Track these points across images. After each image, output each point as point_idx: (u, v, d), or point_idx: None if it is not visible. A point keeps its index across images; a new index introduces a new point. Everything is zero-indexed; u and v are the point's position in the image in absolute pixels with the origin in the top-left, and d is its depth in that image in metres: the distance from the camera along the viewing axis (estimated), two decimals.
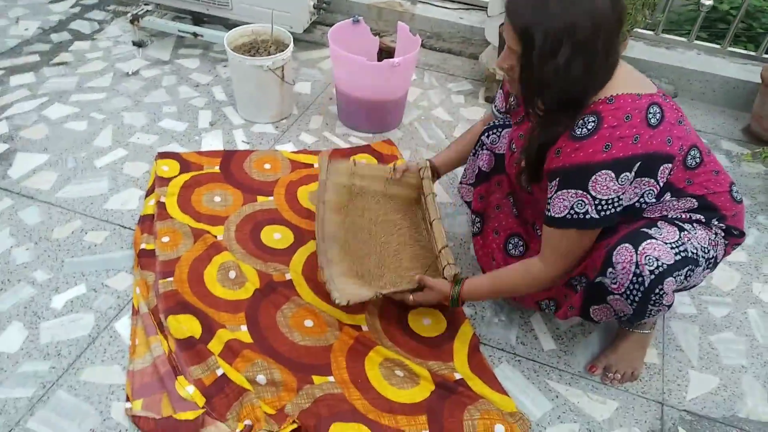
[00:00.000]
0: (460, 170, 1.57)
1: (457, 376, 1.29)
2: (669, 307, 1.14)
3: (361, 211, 1.56)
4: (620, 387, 1.32)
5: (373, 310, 1.42)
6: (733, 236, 1.22)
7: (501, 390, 1.28)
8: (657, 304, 1.11)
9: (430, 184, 1.53)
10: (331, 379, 1.27)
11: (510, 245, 1.41)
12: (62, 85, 2.12)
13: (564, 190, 1.10)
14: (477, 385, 1.28)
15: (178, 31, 2.30)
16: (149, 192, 1.69)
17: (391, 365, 1.30)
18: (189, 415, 1.17)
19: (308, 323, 1.38)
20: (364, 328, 1.38)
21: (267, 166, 1.82)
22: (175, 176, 1.74)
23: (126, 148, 1.86)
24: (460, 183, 1.56)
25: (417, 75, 2.33)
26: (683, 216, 1.17)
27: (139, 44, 2.34)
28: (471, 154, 1.49)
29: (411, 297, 1.34)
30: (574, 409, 1.27)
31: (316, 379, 1.26)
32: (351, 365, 1.30)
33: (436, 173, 1.57)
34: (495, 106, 1.46)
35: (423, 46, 2.46)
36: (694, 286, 1.25)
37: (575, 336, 1.42)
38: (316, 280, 1.48)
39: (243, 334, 1.34)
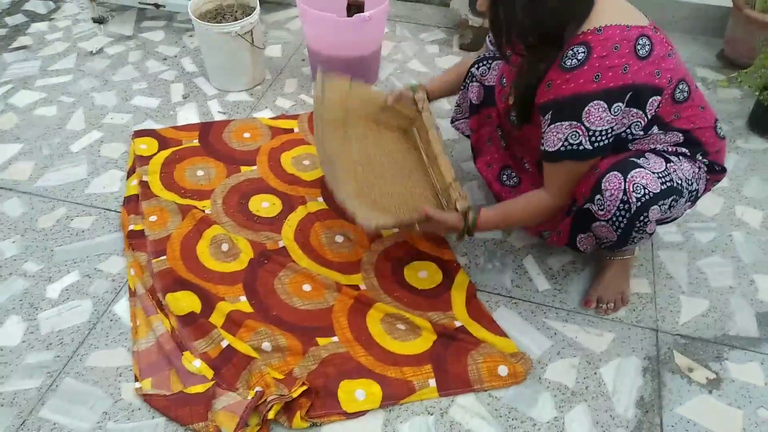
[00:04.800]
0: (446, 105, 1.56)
1: (458, 323, 1.32)
2: (650, 235, 1.17)
3: (359, 135, 1.51)
4: (615, 318, 1.36)
5: (368, 269, 1.43)
6: (715, 172, 1.25)
7: (501, 333, 1.31)
8: (640, 231, 1.14)
9: (430, 117, 1.48)
10: (335, 339, 1.29)
11: (504, 176, 1.43)
12: (25, 71, 2.04)
13: (558, 123, 1.11)
14: (477, 330, 1.31)
15: (139, 3, 2.21)
16: (130, 172, 1.66)
17: (392, 320, 1.32)
18: (199, 388, 1.19)
19: (306, 287, 1.39)
20: (362, 286, 1.40)
21: (246, 135, 1.79)
22: (155, 154, 1.71)
23: (100, 130, 1.82)
24: (454, 120, 1.55)
25: (388, 27, 2.28)
26: (670, 149, 1.18)
27: (99, 21, 2.25)
28: (461, 88, 1.49)
29: (417, 226, 1.29)
30: (573, 344, 1.31)
31: (321, 340, 1.28)
32: (353, 324, 1.32)
33: (429, 98, 1.54)
34: (488, 38, 1.44)
35: None
36: (675, 218, 1.28)
37: (568, 274, 1.45)
38: (310, 245, 1.48)
39: (243, 304, 1.34)
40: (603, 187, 1.12)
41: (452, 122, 1.57)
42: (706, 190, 1.27)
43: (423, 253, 1.47)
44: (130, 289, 1.38)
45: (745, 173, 1.71)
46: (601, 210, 1.14)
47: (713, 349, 1.30)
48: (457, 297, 1.38)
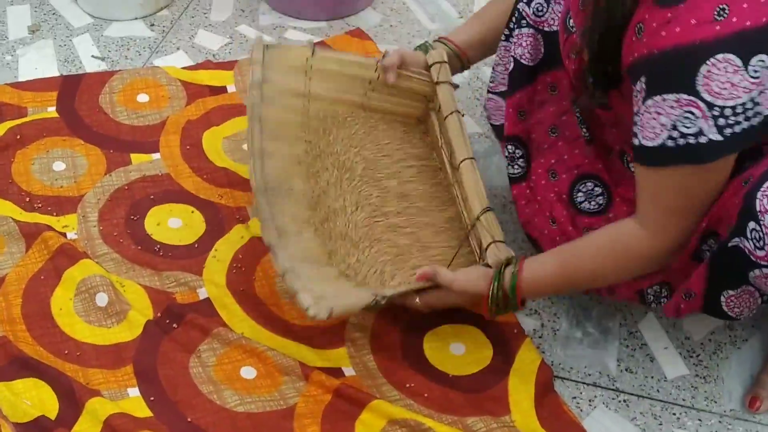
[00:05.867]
0: (487, 73, 1.57)
1: None
2: None
3: (327, 139, 1.56)
4: None
5: (360, 338, 1.44)
6: None
7: None
8: None
9: (451, 94, 1.52)
10: None
11: (579, 194, 1.44)
12: None
13: (658, 97, 1.11)
14: None
15: None
16: None
17: (402, 431, 1.32)
18: None
19: (248, 373, 1.39)
20: (348, 371, 1.40)
21: (142, 97, 1.82)
22: None
23: None
24: (489, 93, 1.56)
25: None
26: None
27: None
28: (502, 39, 1.51)
29: (417, 299, 1.35)
30: None
31: None
32: None
33: (461, 61, 1.57)
34: None
35: None
36: None
37: (719, 348, 1.46)
38: (254, 295, 1.49)
39: (134, 401, 1.34)
40: (759, 209, 1.12)
41: (486, 100, 1.59)
42: None
43: (458, 311, 1.47)
44: None
45: None
46: (761, 248, 1.13)
47: None
48: (520, 390, 1.38)
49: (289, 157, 1.50)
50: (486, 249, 1.36)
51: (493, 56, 1.56)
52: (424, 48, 1.57)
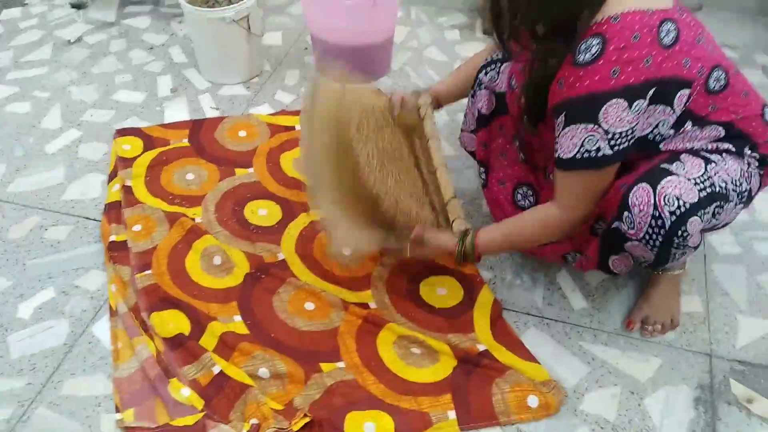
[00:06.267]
0: (461, 117, 1.57)
1: (481, 347, 1.32)
2: (695, 248, 1.15)
3: (350, 146, 1.43)
4: (663, 341, 1.35)
5: (379, 285, 1.44)
6: None
7: (530, 358, 1.31)
8: (681, 247, 1.12)
9: (433, 126, 1.47)
10: (341, 364, 1.29)
11: (518, 195, 1.42)
12: None
13: (572, 126, 1.10)
14: (503, 355, 1.31)
15: None
16: (112, 176, 1.69)
17: (406, 343, 1.33)
18: (188, 420, 1.20)
19: (309, 306, 1.39)
20: (372, 305, 1.40)
21: (242, 133, 1.81)
22: (139, 155, 1.73)
23: (79, 129, 1.85)
24: (462, 131, 1.56)
25: (402, 11, 2.29)
26: (710, 146, 1.17)
27: (78, 6, 2.29)
28: (469, 96, 1.49)
29: (408, 250, 1.31)
30: (614, 371, 1.30)
31: (325, 366, 1.29)
32: (362, 347, 1.32)
33: (437, 103, 1.53)
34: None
35: None
36: (727, 224, 1.25)
37: (608, 290, 1.44)
38: (313, 257, 1.49)
39: (237, 324, 1.35)
40: (630, 203, 1.11)
41: (461, 134, 1.57)
42: (763, 185, 1.25)
43: (442, 268, 1.48)
44: (111, 307, 1.39)
45: None
46: (632, 228, 1.13)
47: None
48: (481, 317, 1.38)
49: (326, 155, 1.36)
50: (453, 222, 1.32)
51: (463, 106, 1.54)
52: (416, 93, 1.50)
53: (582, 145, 1.10)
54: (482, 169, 1.50)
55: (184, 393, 1.24)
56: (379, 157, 1.39)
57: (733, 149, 1.18)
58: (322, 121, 1.41)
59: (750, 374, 1.29)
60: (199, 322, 1.34)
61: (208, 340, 1.32)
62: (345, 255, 1.24)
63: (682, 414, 1.23)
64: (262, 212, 1.60)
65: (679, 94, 1.10)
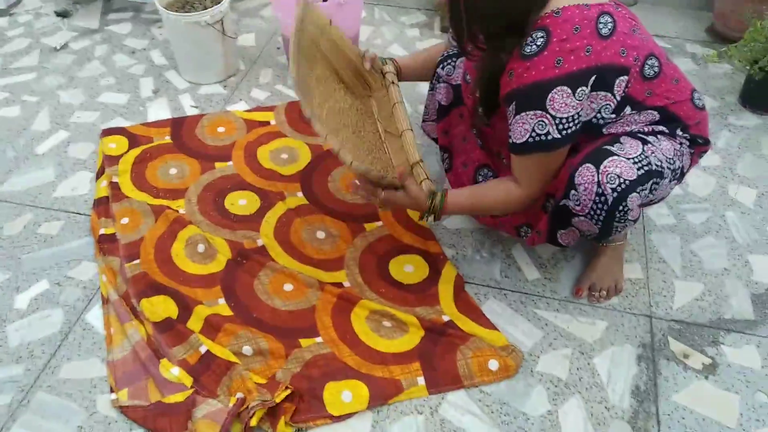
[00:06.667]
0: (422, 108, 1.55)
1: (445, 318, 1.31)
2: (635, 221, 1.16)
3: (327, 80, 1.38)
4: (608, 306, 1.35)
5: (351, 264, 1.42)
6: (699, 145, 1.23)
7: (490, 326, 1.30)
8: (622, 221, 1.12)
9: (399, 92, 1.40)
10: (318, 339, 1.27)
11: (480, 177, 1.41)
12: None
13: (523, 113, 1.09)
14: (466, 324, 1.30)
15: None
16: (99, 173, 1.63)
17: (377, 317, 1.31)
18: (178, 397, 1.17)
19: (288, 287, 1.37)
20: (346, 283, 1.38)
21: (221, 129, 1.77)
22: (125, 153, 1.68)
23: (67, 130, 1.79)
24: (423, 121, 1.54)
25: (366, 11, 2.25)
26: (646, 129, 1.17)
27: (62, 14, 2.21)
28: (429, 89, 1.47)
29: (383, 193, 1.22)
30: (565, 335, 1.30)
31: (304, 342, 1.27)
32: (337, 323, 1.30)
33: (399, 75, 1.47)
34: (450, 33, 1.42)
35: None
36: (662, 198, 1.26)
37: (558, 262, 1.44)
38: (290, 242, 1.47)
39: (222, 307, 1.33)
40: (576, 182, 1.11)
41: (422, 124, 1.55)
42: (693, 163, 1.26)
43: (408, 246, 1.46)
44: (102, 296, 1.36)
45: (738, 150, 1.71)
46: (578, 205, 1.13)
47: (709, 333, 1.30)
48: (445, 290, 1.37)
49: (310, 71, 1.31)
50: (421, 182, 1.23)
51: (424, 95, 1.51)
52: (383, 61, 1.45)
53: (533, 130, 1.09)
54: (445, 155, 1.48)
55: (173, 372, 1.21)
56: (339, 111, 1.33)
57: (667, 131, 1.18)
58: (307, 37, 1.32)
59: (686, 332, 1.31)
60: (186, 306, 1.31)
61: (195, 323, 1.29)
62: (345, 160, 1.10)
63: (627, 370, 1.24)
64: (241, 202, 1.56)
65: (618, 80, 1.09)
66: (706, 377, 1.23)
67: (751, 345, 1.28)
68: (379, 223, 1.51)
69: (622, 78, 1.09)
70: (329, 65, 1.40)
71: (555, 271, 1.43)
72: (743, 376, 1.23)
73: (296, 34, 1.27)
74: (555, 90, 1.05)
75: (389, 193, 1.21)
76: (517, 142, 1.12)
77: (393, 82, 1.41)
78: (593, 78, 1.06)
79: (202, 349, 1.23)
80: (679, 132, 1.20)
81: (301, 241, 1.47)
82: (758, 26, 1.75)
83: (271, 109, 1.84)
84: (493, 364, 1.22)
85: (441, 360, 1.24)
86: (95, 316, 1.33)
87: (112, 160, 1.66)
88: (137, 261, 1.41)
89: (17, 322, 1.32)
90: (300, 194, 1.58)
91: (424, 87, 1.58)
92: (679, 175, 1.22)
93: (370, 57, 1.42)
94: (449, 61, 1.40)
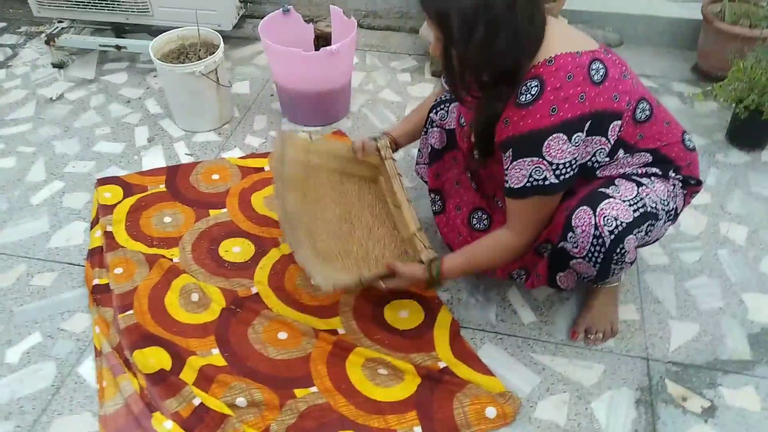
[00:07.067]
0: (416, 151, 1.57)
1: (442, 364, 1.30)
2: (632, 263, 1.17)
3: (320, 190, 1.49)
4: (605, 348, 1.35)
5: (347, 311, 1.42)
6: (691, 185, 1.25)
7: (487, 371, 1.29)
8: (620, 263, 1.13)
9: (394, 166, 1.48)
10: (313, 389, 1.26)
11: (474, 219, 1.42)
12: None
13: (520, 160, 1.11)
14: (462, 370, 1.29)
15: (99, 45, 2.22)
16: (94, 223, 1.64)
17: (373, 365, 1.30)
18: None
19: (282, 335, 1.36)
20: (341, 330, 1.38)
21: (215, 176, 1.78)
22: (119, 202, 1.69)
23: (62, 180, 1.80)
24: (417, 164, 1.56)
25: (358, 58, 2.30)
26: (640, 171, 1.19)
27: (59, 65, 2.24)
28: (422, 133, 1.49)
29: (382, 283, 1.28)
30: (562, 379, 1.29)
31: (298, 392, 1.26)
32: (332, 372, 1.29)
33: (395, 145, 1.53)
34: (443, 80, 1.45)
35: (360, 26, 2.43)
36: (657, 239, 1.28)
37: (553, 304, 1.44)
38: (284, 289, 1.46)
39: (215, 357, 1.32)
40: (573, 224, 1.12)
41: (416, 167, 1.58)
42: (686, 203, 1.28)
43: (404, 292, 1.46)
44: (95, 348, 1.35)
45: (727, 188, 1.73)
46: (576, 247, 1.13)
47: (706, 375, 1.30)
48: (441, 336, 1.37)
49: (296, 203, 1.43)
50: (421, 252, 1.32)
51: (417, 142, 1.54)
52: (375, 138, 1.52)
53: (530, 176, 1.11)
54: (437, 197, 1.50)
55: (166, 426, 1.20)
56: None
57: (660, 173, 1.20)
58: (293, 165, 1.42)
59: (683, 374, 1.30)
60: (179, 357, 1.31)
61: (188, 374, 1.28)
62: (328, 289, 1.22)
63: (625, 415, 1.23)
64: (236, 249, 1.56)
65: (612, 125, 1.11)
66: (706, 421, 1.22)
67: (750, 386, 1.27)
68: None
69: (615, 122, 1.11)
70: (329, 173, 1.52)
71: (551, 314, 1.42)
72: (742, 419, 1.22)
73: (276, 168, 1.40)
74: (551, 137, 1.07)
75: (388, 281, 1.28)
76: (515, 187, 1.14)
77: (386, 157, 1.49)
78: (588, 124, 1.08)
79: (196, 402, 1.22)
80: (671, 173, 1.22)
81: (295, 287, 1.47)
82: (740, 66, 1.79)
83: (265, 155, 1.86)
84: (491, 412, 1.21)
85: (438, 408, 1.22)
86: (88, 369, 1.32)
87: (106, 209, 1.67)
88: (130, 312, 1.40)
89: (8, 377, 1.31)
90: None
91: None
92: (674, 216, 1.23)
93: (357, 148, 1.50)
94: (442, 106, 1.43)
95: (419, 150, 1.53)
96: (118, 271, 1.50)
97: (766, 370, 1.30)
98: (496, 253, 1.24)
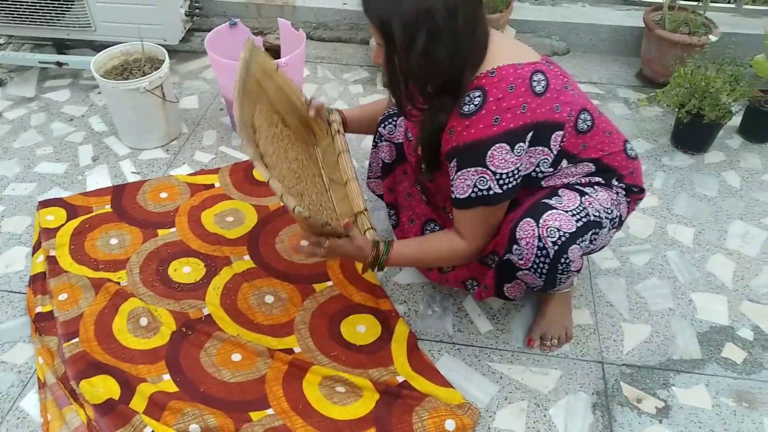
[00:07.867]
0: (367, 164, 1.56)
1: (400, 379, 1.30)
2: (578, 271, 1.19)
3: (271, 123, 1.34)
4: (560, 354, 1.36)
5: (302, 328, 1.40)
6: (634, 193, 1.28)
7: (445, 383, 1.29)
8: (566, 272, 1.15)
9: (344, 141, 1.40)
10: (269, 411, 1.24)
11: (427, 231, 1.42)
12: None
13: (464, 170, 1.12)
14: (421, 384, 1.29)
15: (39, 62, 2.15)
16: (36, 248, 1.58)
17: (330, 383, 1.29)
18: None
19: (236, 357, 1.33)
20: (297, 349, 1.36)
21: (163, 195, 1.74)
22: (63, 224, 1.63)
23: (1, 203, 1.73)
24: (368, 178, 1.56)
25: (309, 70, 2.29)
26: (583, 180, 1.21)
27: None
28: (372, 147, 1.49)
29: (327, 242, 1.16)
30: (520, 387, 1.30)
31: (254, 415, 1.23)
32: (289, 392, 1.27)
33: (344, 126, 1.46)
34: (388, 90, 1.45)
35: (310, 38, 2.42)
36: (603, 247, 1.30)
37: (509, 312, 1.46)
38: (237, 309, 1.44)
39: (166, 383, 1.28)
40: (518, 236, 1.13)
41: (367, 181, 1.57)
42: (630, 210, 1.31)
43: (359, 306, 1.45)
44: (39, 379, 1.29)
45: (673, 191, 1.78)
46: (521, 259, 1.15)
47: (659, 376, 1.32)
48: (398, 349, 1.36)
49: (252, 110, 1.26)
50: (365, 231, 1.24)
51: (369, 152, 1.53)
52: (329, 111, 1.45)
53: (475, 185, 1.11)
54: (392, 212, 1.50)
55: None
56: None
57: (603, 181, 1.23)
58: (251, 79, 1.28)
59: (637, 376, 1.33)
60: (129, 385, 1.26)
61: (138, 402, 1.23)
62: (289, 205, 1.05)
63: (583, 420, 1.25)
64: (186, 270, 1.53)
65: (554, 135, 1.13)
66: (660, 421, 1.24)
67: (701, 384, 1.31)
68: (329, 283, 1.50)
69: (557, 133, 1.13)
70: (275, 109, 1.37)
71: (506, 322, 1.43)
72: (695, 417, 1.25)
73: (241, 75, 1.23)
74: (494, 147, 1.08)
75: (333, 241, 1.17)
76: (460, 197, 1.14)
77: (339, 131, 1.42)
78: (530, 134, 1.09)
79: (147, 431, 1.18)
80: (614, 182, 1.24)
81: (249, 307, 1.44)
82: (681, 72, 1.86)
83: (215, 171, 1.83)
84: (450, 425, 1.21)
85: (397, 423, 1.22)
86: (31, 403, 1.26)
87: (49, 233, 1.61)
88: (76, 339, 1.35)
89: None
90: (247, 257, 1.56)
91: (369, 142, 1.60)
92: (618, 224, 1.26)
93: (316, 106, 1.41)
94: (390, 120, 1.43)
95: (369, 164, 1.53)
96: (63, 297, 1.44)
97: (715, 367, 1.34)
98: (446, 251, 1.23)
